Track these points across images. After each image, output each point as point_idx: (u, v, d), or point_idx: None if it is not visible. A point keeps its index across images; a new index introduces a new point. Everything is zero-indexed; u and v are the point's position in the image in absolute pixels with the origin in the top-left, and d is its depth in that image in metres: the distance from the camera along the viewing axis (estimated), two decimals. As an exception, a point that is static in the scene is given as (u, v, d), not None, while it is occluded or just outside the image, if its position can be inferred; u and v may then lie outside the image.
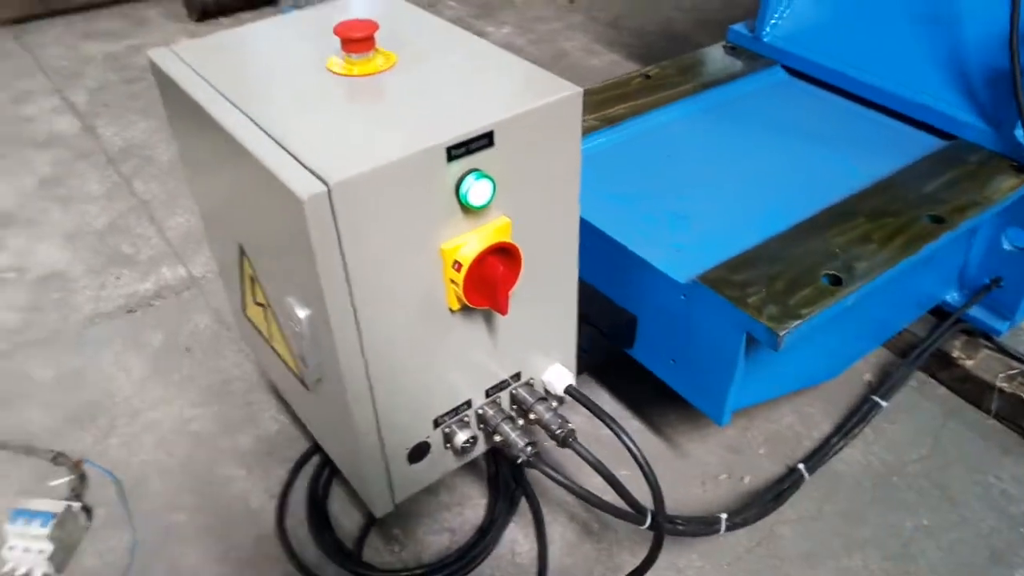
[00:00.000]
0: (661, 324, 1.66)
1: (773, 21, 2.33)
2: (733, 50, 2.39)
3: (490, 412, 1.36)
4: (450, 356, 1.26)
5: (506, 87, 1.20)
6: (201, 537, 1.67)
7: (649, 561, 1.40)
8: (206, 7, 4.02)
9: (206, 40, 1.38)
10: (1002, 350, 1.94)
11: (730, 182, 1.85)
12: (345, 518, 1.70)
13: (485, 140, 1.08)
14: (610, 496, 1.37)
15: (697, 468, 1.81)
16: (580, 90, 1.16)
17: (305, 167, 1.01)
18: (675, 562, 1.61)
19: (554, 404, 1.40)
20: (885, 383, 1.83)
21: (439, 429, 1.33)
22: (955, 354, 1.94)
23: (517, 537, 1.67)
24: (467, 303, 1.17)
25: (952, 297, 2.00)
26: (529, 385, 1.41)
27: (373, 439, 1.25)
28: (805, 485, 1.70)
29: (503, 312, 1.20)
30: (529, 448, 1.33)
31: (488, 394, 1.36)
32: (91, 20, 4.11)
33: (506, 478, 1.73)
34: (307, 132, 1.09)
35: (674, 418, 1.91)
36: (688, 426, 1.90)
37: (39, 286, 2.37)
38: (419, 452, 1.33)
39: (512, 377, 1.38)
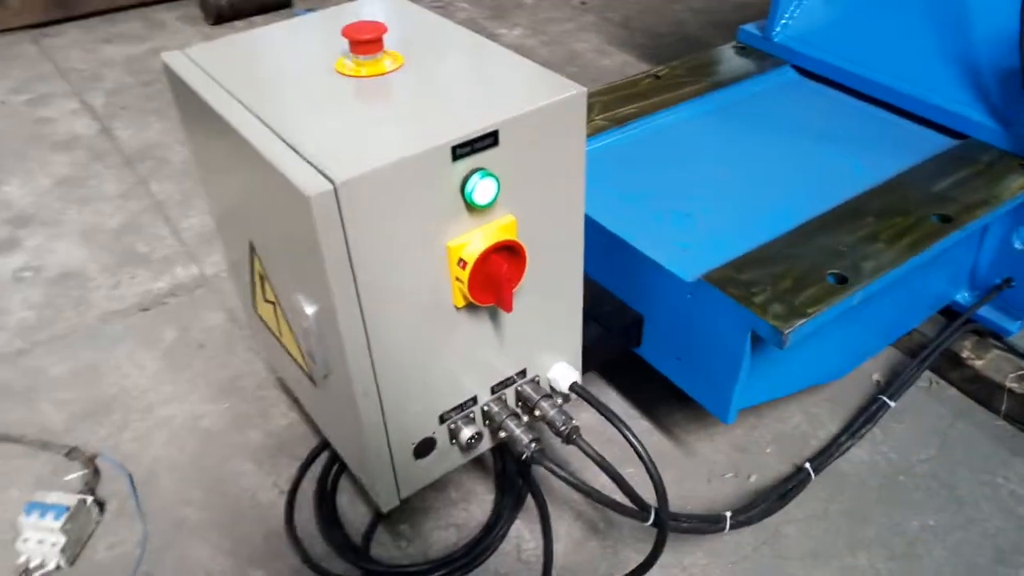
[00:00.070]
0: (668, 323, 1.66)
1: (784, 21, 2.33)
2: (743, 50, 2.40)
3: (495, 408, 1.38)
4: (455, 353, 1.27)
5: (511, 87, 1.21)
6: (210, 531, 1.70)
7: (653, 557, 1.41)
8: (221, 11, 4.06)
9: (217, 43, 1.41)
10: (1012, 350, 1.93)
11: (739, 182, 1.85)
12: (353, 514, 1.72)
13: (490, 139, 1.10)
14: (615, 494, 1.38)
15: (704, 467, 1.81)
16: (584, 90, 1.17)
17: (312, 165, 1.03)
18: (680, 560, 1.62)
19: (559, 401, 1.41)
20: (894, 383, 1.83)
21: (445, 425, 1.34)
22: (965, 354, 1.94)
23: (523, 534, 1.68)
24: (472, 300, 1.19)
25: (963, 297, 1.99)
26: (534, 382, 1.42)
27: (379, 434, 1.26)
28: (811, 484, 1.70)
29: (507, 309, 1.22)
30: (533, 444, 1.34)
31: (494, 391, 1.37)
32: (109, 24, 4.17)
33: (512, 475, 1.74)
34: (315, 131, 1.11)
35: (682, 417, 1.92)
36: (696, 425, 1.90)
37: (56, 284, 2.41)
38: (425, 447, 1.34)
39: (518, 374, 1.39)
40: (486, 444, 1.44)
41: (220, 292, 2.35)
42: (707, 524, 1.57)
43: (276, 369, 1.95)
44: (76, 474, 1.79)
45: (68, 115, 3.33)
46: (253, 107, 1.18)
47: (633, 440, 1.31)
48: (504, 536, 1.66)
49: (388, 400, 1.23)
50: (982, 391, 1.92)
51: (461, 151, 1.08)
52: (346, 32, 1.22)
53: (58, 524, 1.58)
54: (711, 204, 1.77)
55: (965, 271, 1.97)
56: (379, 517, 1.71)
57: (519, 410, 1.42)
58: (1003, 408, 1.88)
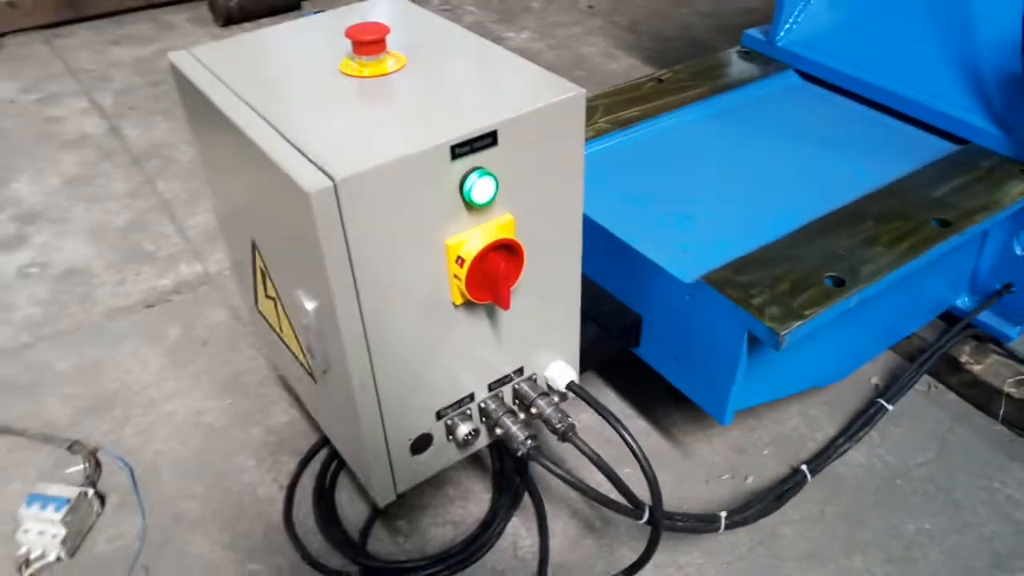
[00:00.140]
0: (666, 323, 1.67)
1: (787, 26, 2.34)
2: (747, 55, 2.41)
3: (492, 405, 1.39)
4: (453, 350, 1.28)
5: (511, 88, 1.23)
6: (210, 525, 1.71)
7: (647, 555, 1.42)
8: (231, 13, 4.09)
9: (223, 43, 1.42)
10: (1011, 356, 1.93)
11: (739, 185, 1.86)
12: (351, 510, 1.73)
13: (489, 139, 1.11)
14: (611, 493, 1.39)
15: (701, 467, 1.82)
16: (583, 91, 1.18)
17: (313, 163, 1.04)
18: (676, 559, 1.62)
19: (556, 399, 1.43)
20: (892, 387, 1.83)
21: (442, 421, 1.36)
22: (963, 359, 1.94)
23: (520, 531, 1.69)
24: (470, 298, 1.20)
25: (962, 302, 2.00)
26: (532, 380, 1.43)
27: (377, 429, 1.28)
28: (808, 486, 1.70)
29: (505, 307, 1.23)
30: (529, 441, 1.35)
31: (491, 388, 1.39)
32: (119, 25, 4.21)
33: (510, 474, 1.75)
34: (316, 130, 1.12)
35: (680, 418, 1.92)
36: (694, 426, 1.91)
37: (61, 281, 2.44)
38: (422, 443, 1.35)
39: (515, 372, 1.40)
40: (483, 441, 1.45)
41: (224, 290, 2.37)
42: (703, 523, 1.57)
43: (277, 366, 1.97)
44: (78, 467, 1.81)
45: (77, 114, 3.37)
46: (257, 106, 1.20)
47: (626, 436, 1.32)
48: (501, 533, 1.67)
49: (386, 396, 1.24)
50: (980, 396, 1.92)
51: (460, 150, 1.09)
52: (349, 33, 1.24)
53: (59, 516, 1.60)
54: (712, 207, 1.78)
55: (965, 276, 1.97)
56: (377, 513, 1.72)
57: (516, 407, 1.43)
58: (1001, 413, 1.88)
